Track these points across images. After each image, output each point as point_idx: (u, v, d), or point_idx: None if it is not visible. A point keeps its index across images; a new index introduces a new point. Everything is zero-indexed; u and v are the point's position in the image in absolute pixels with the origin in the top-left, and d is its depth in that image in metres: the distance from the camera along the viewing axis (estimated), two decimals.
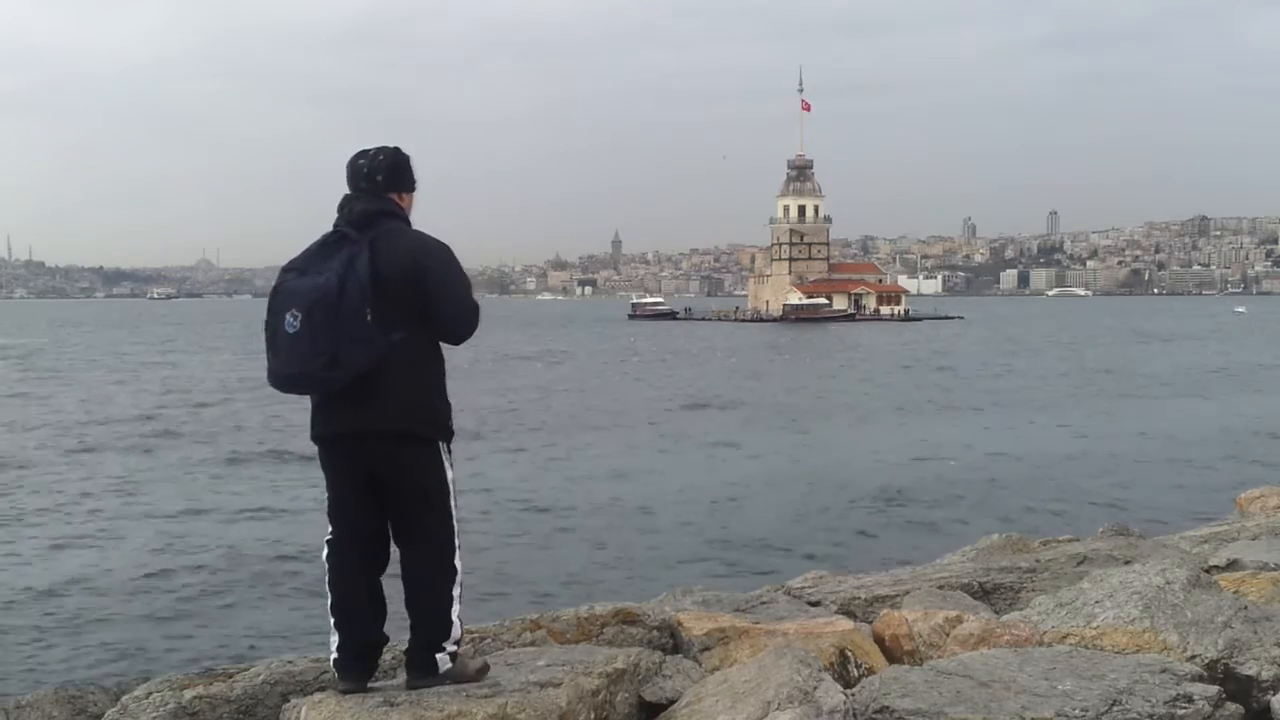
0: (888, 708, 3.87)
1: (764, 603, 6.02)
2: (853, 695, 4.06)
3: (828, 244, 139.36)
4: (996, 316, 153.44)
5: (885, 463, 24.02)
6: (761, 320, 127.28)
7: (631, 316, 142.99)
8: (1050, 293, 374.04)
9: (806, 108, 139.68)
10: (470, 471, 20.07)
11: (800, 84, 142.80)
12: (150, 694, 4.61)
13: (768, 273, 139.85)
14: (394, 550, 4.13)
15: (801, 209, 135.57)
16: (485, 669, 4.13)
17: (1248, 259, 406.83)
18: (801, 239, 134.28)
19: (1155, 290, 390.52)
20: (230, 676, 4.73)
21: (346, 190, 4.09)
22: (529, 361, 62.23)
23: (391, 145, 4.15)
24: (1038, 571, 6.57)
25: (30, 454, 25.55)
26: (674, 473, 22.66)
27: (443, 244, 4.05)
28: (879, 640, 5.19)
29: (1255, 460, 23.11)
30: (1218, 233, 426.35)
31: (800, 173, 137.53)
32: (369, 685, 4.09)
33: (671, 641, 5.21)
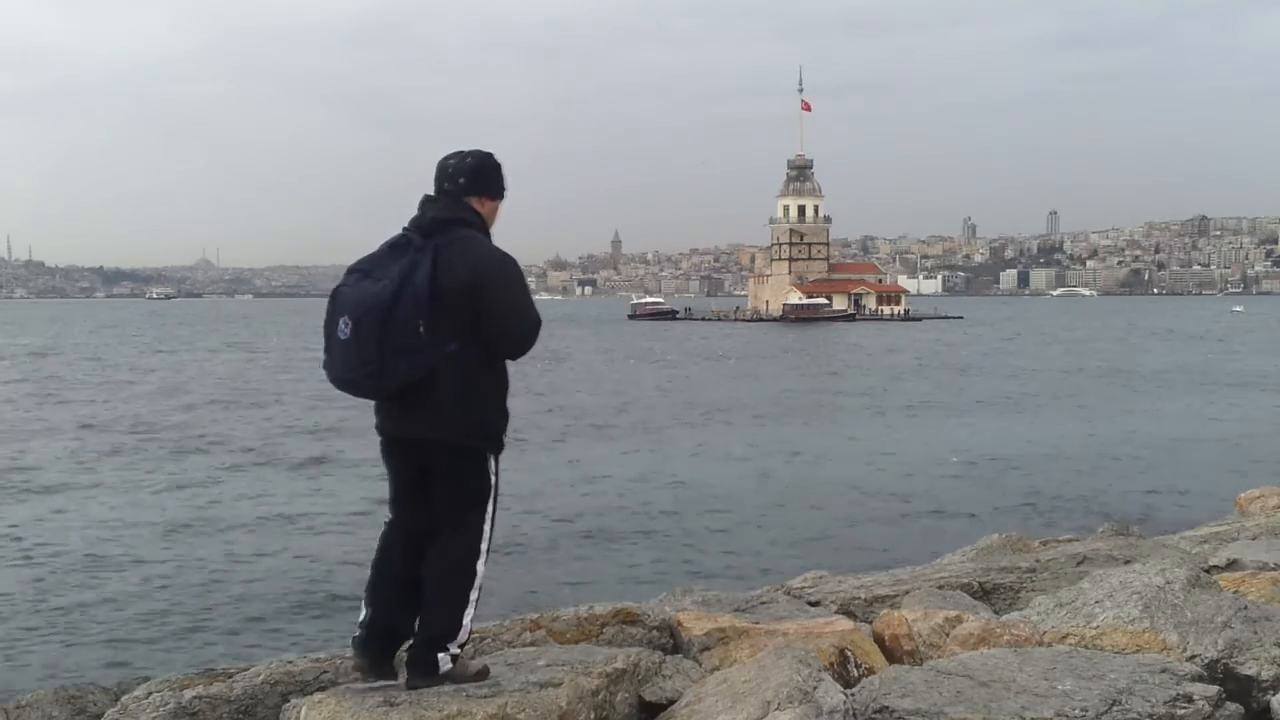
0: (887, 708, 3.87)
1: (764, 603, 6.02)
2: (853, 695, 4.06)
3: (828, 244, 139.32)
4: (1002, 317, 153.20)
5: (885, 462, 24.00)
6: (761, 320, 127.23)
7: (631, 316, 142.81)
8: (1054, 293, 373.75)
9: (807, 108, 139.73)
10: None
11: (800, 84, 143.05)
12: (150, 694, 4.62)
13: (768, 273, 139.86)
14: None
15: (801, 209, 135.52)
16: (485, 672, 4.14)
17: (1247, 259, 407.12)
18: (801, 239, 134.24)
19: (1155, 290, 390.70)
20: (230, 676, 4.74)
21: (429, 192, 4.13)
22: (529, 361, 61.97)
23: (485, 149, 4.18)
24: (1038, 571, 6.57)
25: (30, 454, 25.52)
26: (673, 472, 22.63)
27: (507, 257, 4.05)
28: (879, 640, 5.19)
29: (1255, 460, 23.08)
30: (1217, 233, 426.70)
31: (800, 173, 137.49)
32: (373, 685, 4.09)
33: (671, 641, 5.21)
